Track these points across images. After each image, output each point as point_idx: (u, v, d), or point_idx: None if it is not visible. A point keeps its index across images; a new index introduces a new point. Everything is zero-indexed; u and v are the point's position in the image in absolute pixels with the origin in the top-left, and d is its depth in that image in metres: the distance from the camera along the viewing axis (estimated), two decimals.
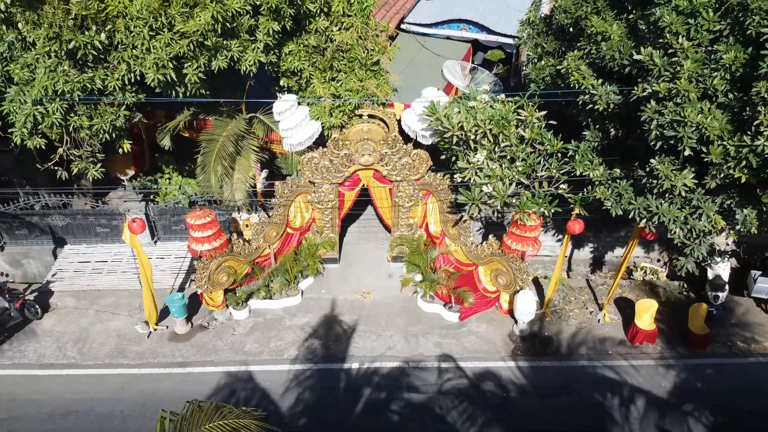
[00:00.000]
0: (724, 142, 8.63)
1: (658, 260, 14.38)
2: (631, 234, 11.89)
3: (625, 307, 12.84)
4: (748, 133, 8.41)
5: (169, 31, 9.80)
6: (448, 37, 18.40)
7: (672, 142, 8.94)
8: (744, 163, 8.50)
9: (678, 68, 8.77)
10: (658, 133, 9.03)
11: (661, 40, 9.13)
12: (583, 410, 10.83)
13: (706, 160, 8.83)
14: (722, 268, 12.90)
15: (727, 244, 13.23)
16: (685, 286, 13.70)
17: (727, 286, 12.68)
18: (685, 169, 9.27)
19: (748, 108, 8.48)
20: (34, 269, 14.41)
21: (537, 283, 13.76)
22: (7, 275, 13.34)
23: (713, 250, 13.54)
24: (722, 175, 8.89)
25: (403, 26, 18.53)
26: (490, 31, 18.05)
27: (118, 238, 14.07)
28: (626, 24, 10.54)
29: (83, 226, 14.10)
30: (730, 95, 8.70)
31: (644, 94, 9.15)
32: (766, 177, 8.39)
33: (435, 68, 16.56)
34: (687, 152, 8.87)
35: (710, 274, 12.91)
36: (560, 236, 13.94)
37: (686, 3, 8.88)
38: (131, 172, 15.17)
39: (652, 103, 9.01)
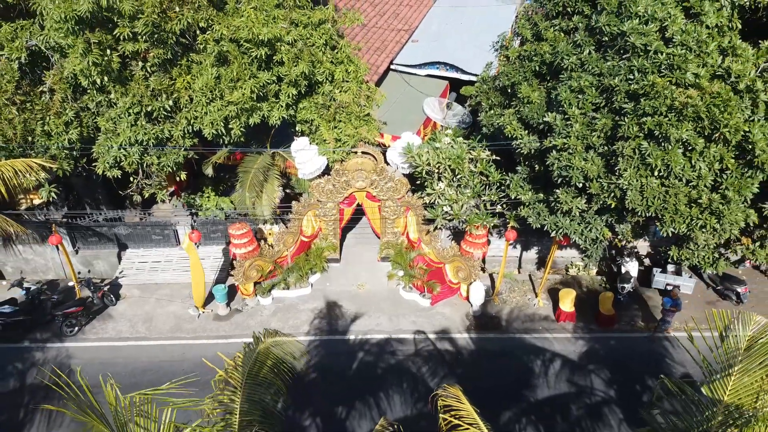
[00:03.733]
0: (600, 180, 12.66)
1: None
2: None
3: (556, 295, 16.58)
4: (615, 174, 12.45)
5: (220, 99, 13.83)
6: (429, 76, 21.97)
7: (567, 179, 12.98)
8: (613, 194, 12.53)
9: (570, 129, 12.78)
10: (558, 172, 13.04)
11: (561, 108, 13.14)
12: (517, 367, 14.79)
13: (589, 192, 12.88)
14: (631, 266, 16.88)
15: (634, 247, 17.29)
16: (605, 279, 17.60)
17: (633, 280, 16.64)
18: (578, 197, 13.31)
19: (614, 158, 12.52)
20: (101, 268, 18.21)
21: (492, 278, 17.75)
22: (90, 272, 17.35)
23: (631, 253, 17.72)
24: (600, 202, 12.92)
25: (392, 67, 22.08)
26: (463, 72, 21.74)
27: (168, 244, 18.04)
28: (545, 90, 14.54)
29: (141, 235, 17.89)
30: (605, 148, 12.71)
31: (550, 145, 13.15)
32: (627, 205, 12.38)
33: (418, 102, 20.01)
34: (579, 185, 12.92)
35: (623, 270, 16.92)
36: (513, 243, 17.88)
37: (576, 84, 12.88)
38: (170, 190, 19.15)
39: (554, 152, 13.02)
